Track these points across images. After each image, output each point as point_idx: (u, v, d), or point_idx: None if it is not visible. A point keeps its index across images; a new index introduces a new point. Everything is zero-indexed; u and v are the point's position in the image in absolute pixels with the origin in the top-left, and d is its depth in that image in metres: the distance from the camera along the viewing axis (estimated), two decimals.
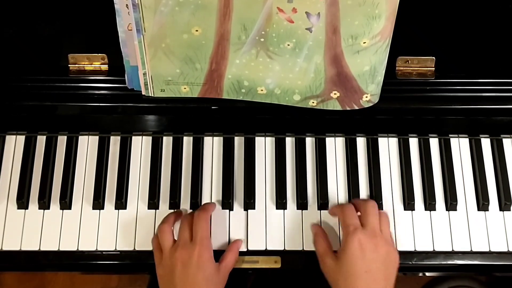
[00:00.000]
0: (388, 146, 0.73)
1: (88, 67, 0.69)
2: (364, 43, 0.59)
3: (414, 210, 0.70)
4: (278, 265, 0.68)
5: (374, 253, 0.59)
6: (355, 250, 0.59)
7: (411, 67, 0.69)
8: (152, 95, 0.67)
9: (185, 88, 0.66)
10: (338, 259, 0.61)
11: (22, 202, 0.69)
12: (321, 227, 0.68)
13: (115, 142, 0.73)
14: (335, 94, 0.65)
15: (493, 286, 1.05)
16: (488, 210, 0.70)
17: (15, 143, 0.73)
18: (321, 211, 0.70)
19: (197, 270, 0.60)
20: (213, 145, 0.73)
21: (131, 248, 0.68)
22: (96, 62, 0.69)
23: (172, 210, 0.70)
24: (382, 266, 0.60)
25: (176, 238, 0.65)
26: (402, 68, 0.69)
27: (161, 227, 0.65)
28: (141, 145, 0.73)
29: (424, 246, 0.69)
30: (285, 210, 0.70)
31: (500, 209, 0.71)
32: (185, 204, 0.70)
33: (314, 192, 0.71)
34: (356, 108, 0.66)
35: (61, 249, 0.68)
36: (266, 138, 0.73)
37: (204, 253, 0.61)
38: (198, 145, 0.73)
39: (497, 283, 1.05)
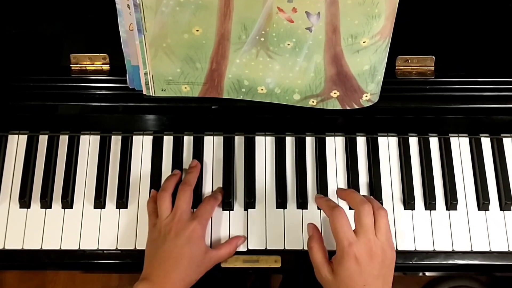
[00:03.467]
0: (388, 145, 0.73)
1: (90, 67, 0.70)
2: (363, 42, 0.59)
3: (414, 209, 0.70)
4: (278, 265, 0.68)
5: (370, 264, 0.58)
6: (353, 266, 0.57)
7: (411, 66, 0.69)
8: (153, 95, 0.67)
9: (185, 88, 0.66)
10: (335, 273, 0.59)
11: (24, 201, 0.70)
12: (317, 229, 0.65)
13: (116, 141, 0.73)
14: (335, 93, 0.65)
15: (493, 286, 1.05)
16: (488, 210, 0.70)
17: (17, 143, 0.73)
18: (322, 210, 0.70)
19: (186, 243, 0.62)
20: (213, 145, 0.73)
21: (132, 247, 0.68)
22: (97, 62, 0.69)
23: None
24: (379, 274, 0.58)
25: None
26: (401, 67, 0.69)
27: (161, 195, 0.66)
28: (142, 145, 0.73)
29: (424, 245, 0.69)
30: (285, 210, 0.70)
31: (501, 209, 0.71)
32: None
33: (314, 191, 0.71)
34: (356, 107, 0.67)
35: (62, 248, 0.68)
36: (266, 137, 0.74)
37: (198, 231, 0.63)
38: (199, 144, 0.73)
39: (497, 283, 1.05)
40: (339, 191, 0.66)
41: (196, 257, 0.63)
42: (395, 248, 0.68)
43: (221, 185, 0.71)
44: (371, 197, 0.67)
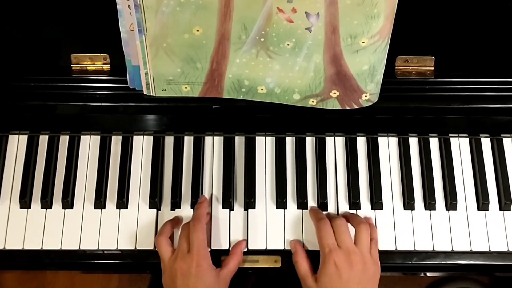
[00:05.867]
0: (388, 145, 0.73)
1: (91, 67, 0.70)
2: (363, 42, 0.59)
3: (414, 209, 0.71)
4: (278, 265, 0.68)
5: (350, 271, 0.62)
6: (332, 271, 0.62)
7: (411, 66, 0.70)
8: (154, 95, 0.67)
9: (186, 88, 0.67)
10: (318, 281, 0.63)
11: (25, 201, 0.70)
12: (299, 243, 0.68)
13: (116, 141, 0.73)
14: (334, 93, 0.65)
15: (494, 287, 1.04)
16: (488, 210, 0.71)
17: (17, 143, 0.73)
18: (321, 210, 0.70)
19: (197, 280, 0.62)
20: (213, 145, 0.73)
21: (132, 247, 0.68)
22: (98, 62, 0.70)
23: (173, 211, 0.70)
24: (360, 283, 0.62)
25: (175, 247, 0.65)
26: (401, 67, 0.70)
27: (157, 240, 0.66)
28: (142, 145, 0.73)
29: (424, 245, 0.69)
30: (285, 210, 0.70)
31: (500, 209, 0.71)
32: (185, 203, 0.71)
33: (314, 191, 0.71)
34: (356, 107, 0.67)
35: (63, 248, 0.68)
36: (267, 137, 0.74)
37: (202, 263, 0.62)
38: (199, 144, 0.73)
39: (498, 284, 1.05)
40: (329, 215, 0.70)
41: (212, 286, 0.63)
42: (395, 248, 0.69)
43: (221, 185, 0.71)
44: (356, 214, 0.70)
